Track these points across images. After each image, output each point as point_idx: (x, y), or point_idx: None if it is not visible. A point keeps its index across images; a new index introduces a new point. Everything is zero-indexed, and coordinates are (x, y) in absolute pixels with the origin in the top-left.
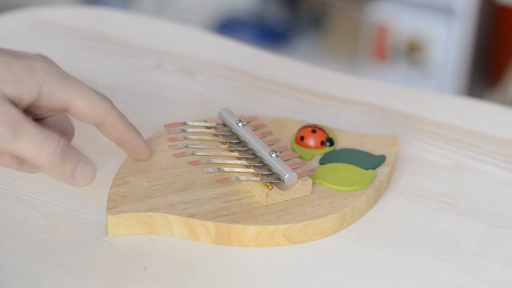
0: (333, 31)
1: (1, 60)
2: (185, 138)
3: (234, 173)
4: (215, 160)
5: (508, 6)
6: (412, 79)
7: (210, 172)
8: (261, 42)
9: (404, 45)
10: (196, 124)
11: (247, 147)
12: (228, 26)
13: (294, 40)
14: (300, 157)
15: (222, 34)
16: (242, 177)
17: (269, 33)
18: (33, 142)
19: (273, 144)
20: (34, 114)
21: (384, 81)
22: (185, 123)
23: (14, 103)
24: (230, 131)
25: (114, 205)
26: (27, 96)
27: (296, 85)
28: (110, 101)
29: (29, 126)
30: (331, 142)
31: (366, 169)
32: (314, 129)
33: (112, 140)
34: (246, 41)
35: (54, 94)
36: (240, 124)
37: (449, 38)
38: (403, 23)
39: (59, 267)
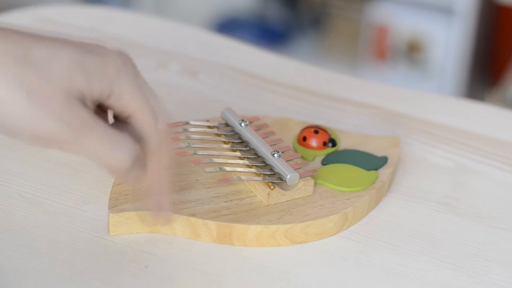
0: (333, 31)
1: (72, 55)
2: (188, 138)
3: (236, 172)
4: (217, 160)
5: (508, 6)
6: (412, 79)
7: (212, 172)
8: (261, 42)
9: (404, 45)
10: (198, 123)
11: (249, 147)
12: (228, 26)
13: (294, 40)
14: (302, 157)
15: (222, 34)
16: (244, 177)
17: (269, 33)
18: (101, 146)
19: (275, 144)
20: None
21: (384, 81)
22: (187, 123)
23: (85, 101)
24: (233, 130)
25: (116, 203)
26: (97, 94)
27: (300, 86)
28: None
29: (99, 128)
30: (333, 143)
31: (368, 170)
32: (317, 129)
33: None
34: (246, 41)
35: (123, 98)
36: (242, 124)
37: (449, 38)
38: (403, 23)
39: (60, 264)
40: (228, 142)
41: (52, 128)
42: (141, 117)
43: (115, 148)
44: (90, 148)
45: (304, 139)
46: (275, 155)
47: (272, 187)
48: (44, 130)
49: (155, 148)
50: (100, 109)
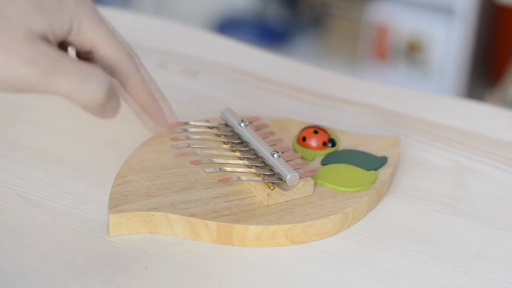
0: (333, 31)
1: None
2: (187, 138)
3: (235, 173)
4: (217, 160)
5: (508, 6)
6: (412, 79)
7: (212, 172)
8: (261, 42)
9: (404, 45)
10: (198, 124)
11: (249, 147)
12: (228, 26)
13: (294, 40)
14: (302, 157)
15: (222, 34)
16: (244, 177)
17: (269, 33)
18: (73, 80)
19: (275, 144)
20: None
21: (384, 81)
22: (187, 123)
23: (48, 40)
24: (232, 131)
25: (116, 204)
26: (59, 31)
27: (299, 86)
28: (137, 60)
29: (67, 63)
30: (333, 143)
31: (368, 170)
32: (316, 129)
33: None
34: (246, 41)
35: (82, 31)
36: (242, 124)
37: (449, 38)
38: (403, 23)
39: (59, 265)
40: (228, 142)
41: (20, 70)
42: (104, 47)
43: (87, 81)
44: (61, 84)
45: (304, 139)
46: (275, 155)
47: (272, 187)
48: (13, 75)
49: (128, 72)
50: (63, 49)
